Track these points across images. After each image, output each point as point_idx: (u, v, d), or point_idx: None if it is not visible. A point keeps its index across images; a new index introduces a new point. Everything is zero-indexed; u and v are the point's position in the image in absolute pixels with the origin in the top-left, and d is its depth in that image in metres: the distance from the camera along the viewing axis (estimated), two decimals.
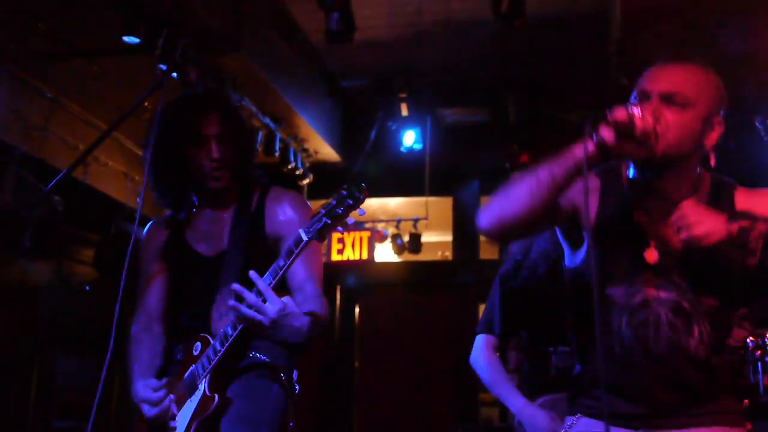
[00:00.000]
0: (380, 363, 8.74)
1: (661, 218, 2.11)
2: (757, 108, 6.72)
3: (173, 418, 2.65)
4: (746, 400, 4.66)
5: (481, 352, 3.30)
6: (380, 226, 8.75)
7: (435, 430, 8.18)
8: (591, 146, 1.95)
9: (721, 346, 2.15)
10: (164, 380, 2.68)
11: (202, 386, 2.59)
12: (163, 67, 5.27)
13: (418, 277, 8.90)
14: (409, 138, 7.98)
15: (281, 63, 6.74)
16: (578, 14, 6.51)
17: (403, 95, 7.75)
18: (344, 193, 2.33)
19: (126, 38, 5.23)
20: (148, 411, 2.65)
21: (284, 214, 2.76)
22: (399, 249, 8.61)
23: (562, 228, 2.26)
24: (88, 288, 7.31)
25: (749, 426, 2.26)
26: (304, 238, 2.36)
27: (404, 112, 7.83)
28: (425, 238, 8.68)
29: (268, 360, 2.69)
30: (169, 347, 2.83)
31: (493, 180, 8.32)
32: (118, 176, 7.23)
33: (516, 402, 3.14)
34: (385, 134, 8.13)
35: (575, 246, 2.23)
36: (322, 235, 2.36)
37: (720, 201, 2.16)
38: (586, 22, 6.58)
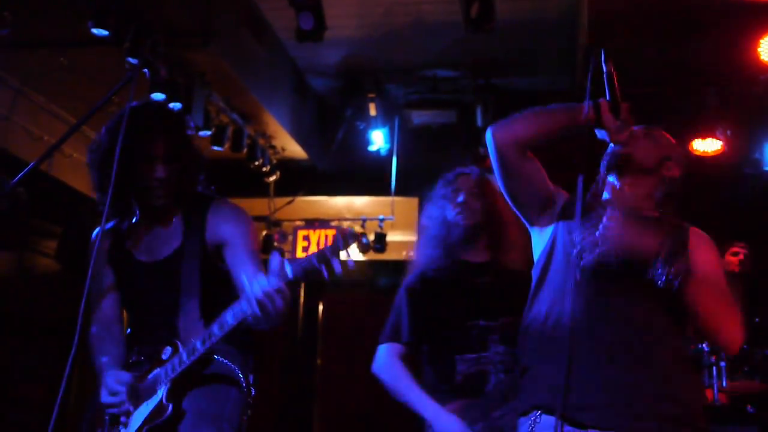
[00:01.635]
0: (342, 361, 8.76)
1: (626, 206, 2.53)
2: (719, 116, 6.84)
3: (127, 415, 2.67)
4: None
5: (387, 360, 3.29)
6: (346, 225, 8.75)
7: (397, 430, 8.22)
8: (589, 111, 2.48)
9: (667, 333, 2.40)
10: (131, 376, 2.70)
11: (161, 393, 2.63)
12: (133, 60, 5.25)
13: (383, 277, 8.93)
14: (377, 137, 8.00)
15: (250, 60, 6.73)
16: (547, 20, 6.58)
17: (372, 95, 7.77)
18: (339, 243, 2.42)
19: (95, 30, 5.19)
20: (104, 397, 2.68)
21: (225, 223, 2.79)
22: (364, 248, 8.57)
23: (532, 195, 2.63)
24: (49, 280, 7.24)
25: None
26: (290, 273, 2.42)
27: (372, 111, 7.85)
28: (390, 237, 8.70)
29: (227, 363, 2.75)
30: (130, 349, 2.86)
31: None
32: (82, 168, 7.14)
33: (429, 408, 3.12)
34: (352, 133, 8.15)
35: (540, 225, 2.66)
36: (308, 273, 2.42)
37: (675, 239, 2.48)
38: (555, 28, 6.65)
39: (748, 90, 6.46)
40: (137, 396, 2.68)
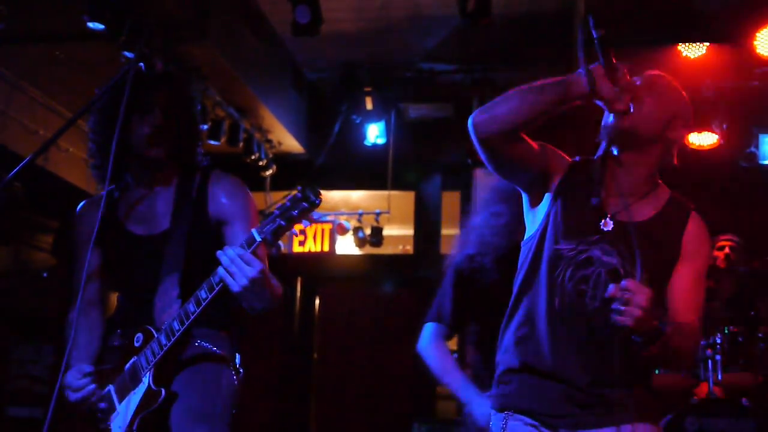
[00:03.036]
0: (339, 355, 8.77)
1: (617, 194, 2.33)
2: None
3: (113, 410, 2.61)
4: (696, 397, 4.77)
5: (430, 341, 3.30)
6: (342, 219, 8.76)
7: (392, 423, 8.23)
8: (584, 81, 2.20)
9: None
10: (92, 368, 2.64)
11: (147, 380, 2.55)
12: (129, 54, 5.23)
13: (379, 270, 8.93)
14: (373, 131, 8.00)
15: (247, 53, 6.72)
16: (543, 13, 6.58)
17: (368, 89, 7.76)
18: (299, 195, 2.33)
19: (90, 24, 5.18)
20: (71, 396, 2.60)
21: (227, 198, 2.73)
22: (360, 242, 8.64)
23: (528, 178, 2.41)
24: (45, 274, 7.23)
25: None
26: (257, 238, 2.35)
27: (369, 105, 7.84)
28: (387, 231, 8.72)
29: (212, 348, 2.68)
30: (108, 331, 2.78)
31: (455, 175, 8.41)
32: (78, 163, 7.16)
33: (465, 391, 3.16)
34: (349, 127, 8.14)
35: (534, 203, 2.44)
36: (275, 236, 2.36)
37: (672, 220, 2.37)
38: (552, 21, 6.65)
39: (744, 83, 6.47)
40: (120, 387, 2.62)
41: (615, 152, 2.37)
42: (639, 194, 2.36)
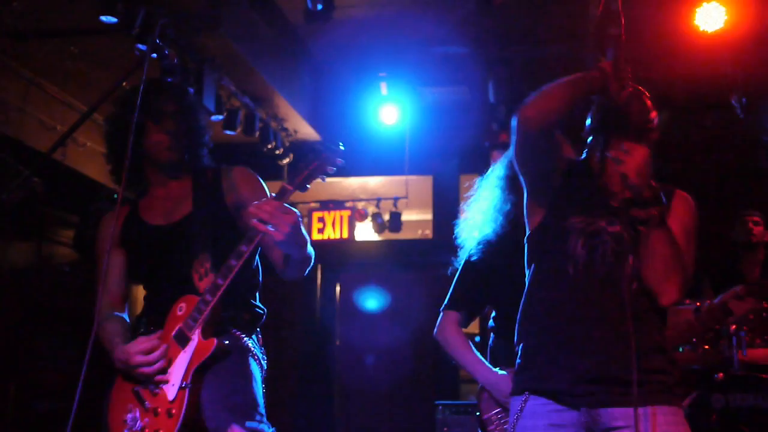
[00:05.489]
0: (360, 340, 8.79)
1: (618, 175, 2.49)
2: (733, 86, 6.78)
3: (164, 371, 2.70)
4: (721, 374, 4.74)
5: (446, 327, 3.35)
6: (360, 205, 8.76)
7: (415, 407, 8.25)
8: (597, 73, 2.49)
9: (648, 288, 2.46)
10: (155, 337, 2.74)
11: (196, 336, 2.68)
12: (142, 47, 5.24)
13: (398, 256, 8.94)
14: (389, 117, 7.99)
15: (260, 42, 6.72)
16: None
17: (383, 74, 7.74)
18: (319, 146, 2.52)
19: (103, 18, 5.19)
20: (147, 370, 2.69)
21: (240, 184, 2.90)
22: (379, 227, 8.64)
23: (547, 169, 2.61)
24: (67, 269, 7.29)
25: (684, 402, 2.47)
26: (289, 187, 2.52)
27: (384, 91, 7.83)
28: (405, 216, 8.71)
29: (245, 338, 2.82)
30: (140, 321, 2.92)
31: (473, 158, 8.38)
32: (96, 157, 7.19)
33: (481, 370, 3.20)
34: (364, 113, 8.13)
35: (539, 194, 2.64)
36: (302, 185, 2.53)
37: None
38: (565, 0, 6.60)
39: (764, 56, 6.40)
40: (171, 352, 2.71)
41: (607, 147, 2.57)
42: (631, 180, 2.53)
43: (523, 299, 2.59)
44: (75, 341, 7.04)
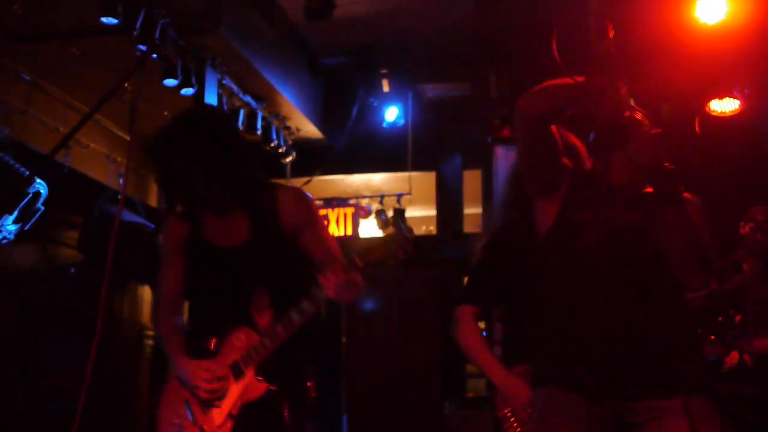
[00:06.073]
0: (367, 337, 8.79)
1: (625, 169, 2.50)
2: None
3: (219, 397, 2.87)
4: (728, 364, 4.72)
5: (463, 323, 3.33)
6: (364, 202, 8.77)
7: (422, 403, 8.25)
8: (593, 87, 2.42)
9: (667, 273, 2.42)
10: (220, 372, 2.88)
11: (250, 374, 2.84)
12: (142, 47, 5.25)
13: None
14: (391, 114, 7.99)
15: (261, 41, 6.72)
16: None
17: (384, 71, 7.74)
18: (399, 232, 2.69)
19: (104, 19, 5.19)
20: (204, 393, 2.87)
21: (297, 209, 2.99)
22: (383, 224, 8.64)
23: (554, 160, 2.57)
24: (72, 270, 7.30)
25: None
26: (358, 264, 2.68)
27: (385, 88, 7.83)
28: (409, 213, 8.71)
29: (300, 354, 2.99)
30: (199, 335, 3.03)
31: (475, 153, 8.38)
32: (100, 158, 7.21)
33: (496, 372, 3.19)
34: (366, 110, 8.12)
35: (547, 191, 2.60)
36: (372, 262, 2.70)
37: None
38: None
39: (765, 47, 6.38)
40: (226, 379, 2.87)
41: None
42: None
43: (542, 293, 2.56)
44: (81, 341, 7.06)
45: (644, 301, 2.33)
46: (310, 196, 3.11)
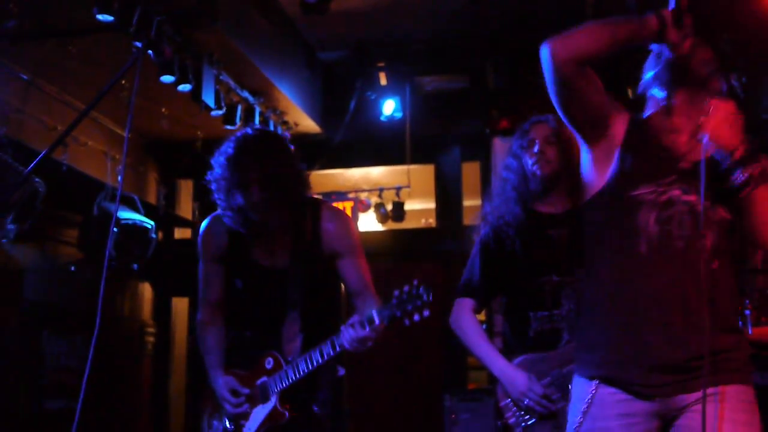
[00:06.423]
0: None
1: (689, 132, 2.35)
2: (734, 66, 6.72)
3: (246, 417, 3.10)
4: None
5: (461, 315, 3.34)
6: (363, 196, 8.76)
7: (423, 395, 8.27)
8: (654, 20, 2.29)
9: (726, 263, 2.32)
10: (245, 391, 3.12)
11: (274, 400, 3.06)
12: (138, 44, 5.24)
13: (403, 245, 8.94)
14: (389, 107, 7.98)
15: (258, 36, 6.71)
16: None
17: (382, 64, 7.73)
18: (415, 291, 2.81)
19: (100, 16, 5.18)
20: (229, 408, 3.10)
21: (338, 234, 3.13)
22: (382, 218, 8.64)
23: (592, 117, 2.40)
24: (73, 268, 7.30)
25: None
26: (376, 321, 2.87)
27: (383, 81, 7.82)
28: (408, 206, 8.71)
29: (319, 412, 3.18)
30: (231, 347, 3.24)
31: (474, 146, 8.37)
32: (98, 156, 7.20)
33: (496, 363, 3.19)
34: (364, 104, 8.12)
35: (596, 154, 2.42)
36: (390, 322, 2.87)
37: None
38: None
39: (764, 35, 6.35)
40: (253, 399, 3.11)
41: (672, 100, 2.41)
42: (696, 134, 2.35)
43: (585, 278, 2.45)
44: (82, 339, 7.06)
45: (694, 296, 2.23)
46: (351, 220, 3.26)
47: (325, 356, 2.98)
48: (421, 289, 2.81)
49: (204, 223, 3.21)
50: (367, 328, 2.87)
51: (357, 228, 3.26)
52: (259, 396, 3.11)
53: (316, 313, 3.13)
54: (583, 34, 2.30)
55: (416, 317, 2.82)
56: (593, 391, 2.33)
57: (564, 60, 2.28)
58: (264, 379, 3.11)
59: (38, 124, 6.41)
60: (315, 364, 3.00)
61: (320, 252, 3.11)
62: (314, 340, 3.03)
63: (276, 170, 3.00)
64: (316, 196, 3.26)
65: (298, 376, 3.03)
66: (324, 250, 3.12)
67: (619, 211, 2.34)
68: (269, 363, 3.10)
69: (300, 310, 3.10)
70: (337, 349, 2.95)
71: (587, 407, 2.34)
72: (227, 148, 3.01)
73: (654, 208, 2.29)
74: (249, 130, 3.07)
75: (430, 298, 2.80)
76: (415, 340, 8.48)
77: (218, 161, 3.01)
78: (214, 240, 3.16)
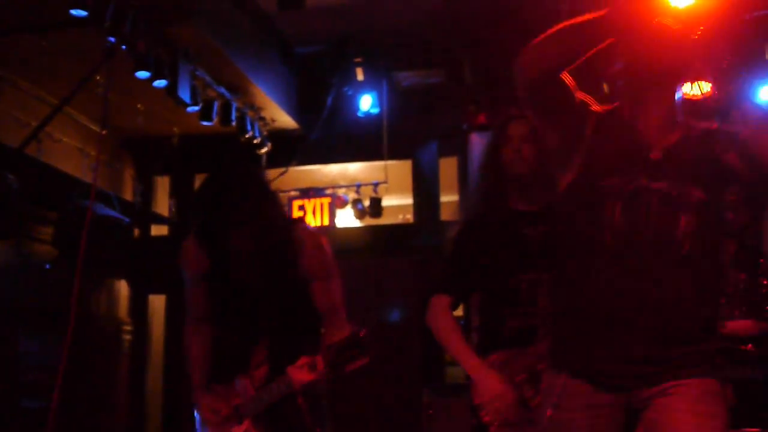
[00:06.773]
0: None
1: (656, 118, 2.32)
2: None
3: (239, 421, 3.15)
4: None
5: (438, 313, 3.31)
6: (340, 192, 8.75)
7: (402, 392, 8.28)
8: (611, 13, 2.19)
9: (706, 250, 2.27)
10: (223, 411, 3.15)
11: (246, 424, 3.11)
12: (111, 39, 5.19)
13: (380, 241, 8.93)
14: (366, 102, 7.98)
15: (234, 31, 6.68)
16: None
17: (358, 60, 7.72)
18: (357, 341, 2.99)
19: (73, 11, 5.13)
20: (210, 426, 3.17)
21: (312, 257, 3.15)
22: (360, 214, 8.63)
23: (564, 120, 2.38)
24: (48, 266, 7.24)
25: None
26: (319, 366, 2.95)
27: (360, 76, 7.81)
28: (386, 201, 8.71)
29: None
30: (216, 354, 3.28)
31: (451, 141, 8.38)
32: (72, 152, 7.15)
33: (469, 362, 3.18)
34: (341, 100, 8.11)
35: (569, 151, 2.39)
36: (332, 368, 2.98)
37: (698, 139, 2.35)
38: None
39: (734, 30, 6.42)
40: (230, 419, 3.14)
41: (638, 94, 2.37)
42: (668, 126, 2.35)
43: (555, 271, 2.46)
44: (57, 338, 7.01)
45: (665, 286, 2.21)
46: (326, 243, 3.23)
47: (281, 394, 3.03)
48: (363, 340, 2.98)
49: (185, 244, 3.20)
50: (314, 373, 2.96)
51: (330, 253, 3.25)
52: (235, 417, 3.15)
53: (283, 347, 3.12)
54: (550, 46, 2.26)
55: (356, 365, 2.98)
56: (562, 384, 2.34)
57: (536, 76, 2.29)
58: (238, 402, 3.15)
59: (12, 120, 6.35)
60: (276, 397, 3.05)
61: (295, 272, 3.13)
62: (280, 369, 3.05)
63: (254, 207, 3.02)
64: (292, 218, 3.36)
65: (257, 410, 3.09)
66: (298, 270, 3.13)
67: (587, 204, 2.32)
68: (241, 386, 3.15)
69: (269, 339, 3.14)
70: (289, 388, 3.01)
71: (554, 401, 2.35)
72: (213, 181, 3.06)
73: (619, 199, 2.26)
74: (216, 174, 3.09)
75: (368, 352, 3.00)
76: (394, 336, 8.49)
77: (207, 191, 3.05)
78: (194, 255, 3.15)
